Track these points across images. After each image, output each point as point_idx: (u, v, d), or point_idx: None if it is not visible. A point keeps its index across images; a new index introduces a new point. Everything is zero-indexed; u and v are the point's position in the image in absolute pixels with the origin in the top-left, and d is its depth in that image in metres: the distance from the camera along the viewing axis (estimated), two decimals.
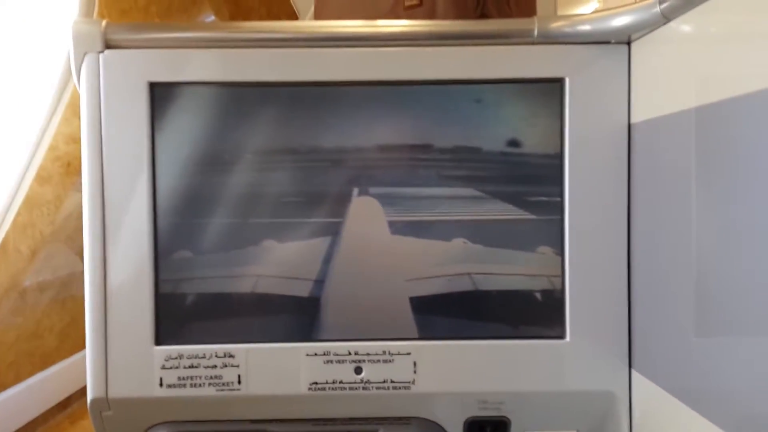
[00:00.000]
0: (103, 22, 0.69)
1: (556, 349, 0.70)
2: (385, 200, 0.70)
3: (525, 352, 0.70)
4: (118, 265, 0.69)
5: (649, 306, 0.65)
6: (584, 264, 0.69)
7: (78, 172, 0.95)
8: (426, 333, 0.70)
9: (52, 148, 0.91)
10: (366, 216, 0.70)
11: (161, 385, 0.70)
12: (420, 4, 0.90)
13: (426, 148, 0.70)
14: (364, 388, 0.70)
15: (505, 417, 0.72)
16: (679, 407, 0.59)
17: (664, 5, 0.59)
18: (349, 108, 0.70)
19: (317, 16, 1.02)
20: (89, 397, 0.69)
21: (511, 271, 0.70)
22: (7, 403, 0.98)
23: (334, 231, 0.70)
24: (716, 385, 0.53)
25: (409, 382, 0.70)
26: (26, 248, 0.93)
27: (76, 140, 0.93)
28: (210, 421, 0.72)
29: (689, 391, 0.58)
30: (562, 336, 0.70)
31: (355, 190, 0.70)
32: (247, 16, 1.44)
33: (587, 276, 0.69)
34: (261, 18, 1.52)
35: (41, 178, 0.92)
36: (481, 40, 0.70)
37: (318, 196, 0.70)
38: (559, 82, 0.69)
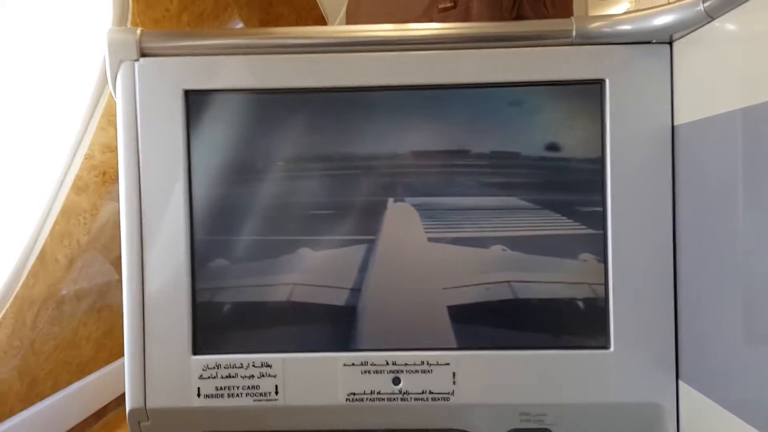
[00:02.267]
0: (138, 31, 0.69)
1: (600, 359, 0.68)
2: (421, 207, 0.69)
3: (567, 363, 0.68)
4: (155, 274, 0.69)
5: (697, 314, 0.63)
6: (628, 271, 0.67)
7: (113, 180, 0.96)
8: (465, 343, 0.69)
9: (87, 157, 0.92)
10: (402, 223, 0.69)
11: (199, 395, 0.69)
12: (454, 6, 0.89)
13: (462, 153, 0.69)
14: (402, 399, 0.69)
15: (547, 429, 0.70)
16: (730, 419, 0.57)
17: (707, 3, 0.57)
18: (382, 114, 0.69)
19: (349, 20, 1.02)
20: (128, 407, 0.69)
21: (551, 279, 0.69)
22: (45, 413, 0.98)
23: (370, 239, 0.69)
24: None
25: (448, 393, 0.69)
26: (63, 257, 0.93)
27: (112, 149, 0.94)
28: (247, 431, 0.71)
29: (741, 403, 0.56)
30: (606, 346, 0.68)
31: (391, 197, 0.70)
32: (277, 23, 1.45)
33: (631, 284, 0.67)
34: (290, 24, 1.53)
35: (77, 188, 0.92)
36: (518, 42, 0.68)
37: (353, 203, 0.70)
38: (599, 83, 0.68)
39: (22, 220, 0.89)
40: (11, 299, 0.86)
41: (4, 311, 0.85)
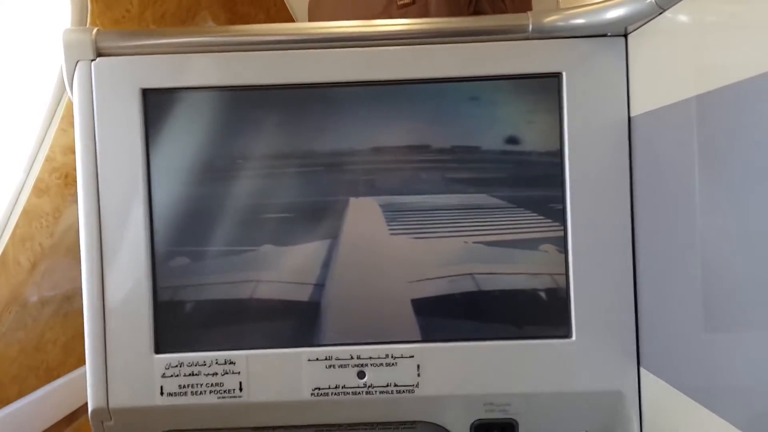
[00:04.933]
0: (94, 30, 0.68)
1: (562, 348, 0.69)
2: (384, 202, 0.70)
3: (530, 353, 0.69)
4: (116, 274, 0.69)
5: (656, 302, 0.64)
6: (588, 261, 0.68)
7: (75, 183, 0.95)
8: (429, 335, 0.70)
9: (49, 159, 0.91)
10: (364, 218, 0.70)
11: (162, 393, 0.69)
12: (413, 3, 0.89)
13: (424, 149, 0.70)
14: (367, 393, 0.69)
15: (512, 419, 0.70)
16: (691, 404, 0.57)
17: None
18: (344, 110, 0.70)
19: (311, 17, 1.02)
20: (90, 407, 0.69)
21: (513, 270, 0.70)
22: (12, 417, 0.97)
23: (332, 234, 0.69)
24: (727, 381, 0.52)
25: (412, 386, 0.69)
26: (26, 261, 0.92)
27: (74, 151, 0.92)
28: (212, 429, 0.71)
29: (700, 388, 0.57)
30: (568, 335, 0.69)
31: (353, 193, 0.70)
32: (244, 23, 1.44)
33: (591, 273, 0.68)
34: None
35: (39, 190, 0.91)
36: (476, 37, 0.69)
37: (315, 199, 0.70)
38: (556, 77, 0.68)
39: None
40: None
41: None
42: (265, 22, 1.56)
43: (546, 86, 0.69)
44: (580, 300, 0.68)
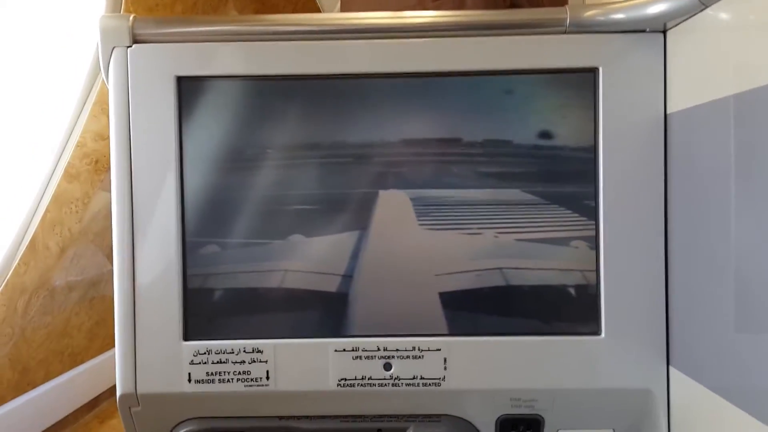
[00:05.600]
0: (131, 17, 0.69)
1: (591, 345, 0.68)
2: (413, 195, 0.69)
3: (559, 349, 0.68)
4: (146, 260, 0.69)
5: (688, 301, 0.63)
6: (619, 258, 0.67)
7: (105, 169, 0.96)
8: (456, 329, 0.69)
9: (80, 145, 0.92)
10: (394, 210, 0.69)
11: (189, 380, 0.69)
12: None
13: (455, 142, 0.69)
14: (393, 385, 0.69)
15: (538, 415, 0.70)
16: (721, 404, 0.57)
17: None
18: (375, 101, 0.69)
19: (344, 9, 1.02)
20: (118, 392, 0.69)
21: (543, 265, 0.69)
22: (37, 401, 0.98)
23: (362, 225, 0.69)
24: (759, 381, 0.51)
25: (439, 379, 0.69)
26: (55, 246, 0.93)
27: (104, 137, 0.93)
28: (238, 417, 0.71)
29: (731, 388, 0.56)
30: (597, 332, 0.68)
31: (383, 184, 0.70)
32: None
33: (622, 271, 0.67)
34: None
35: (69, 175, 0.92)
36: (512, 30, 0.68)
37: (345, 190, 0.70)
38: (592, 72, 0.68)
39: (13, 207, 0.89)
40: (2, 287, 0.86)
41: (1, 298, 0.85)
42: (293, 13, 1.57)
43: (582, 81, 0.68)
44: (611, 297, 0.67)
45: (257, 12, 1.32)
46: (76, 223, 0.96)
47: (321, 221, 0.70)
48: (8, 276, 0.86)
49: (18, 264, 0.87)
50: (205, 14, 1.09)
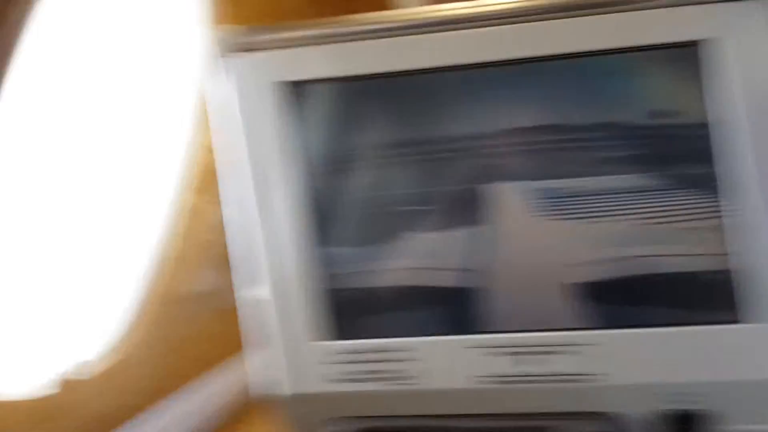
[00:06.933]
0: (231, 27, 0.70)
1: (753, 333, 0.63)
2: (527, 186, 0.67)
3: (712, 339, 0.63)
4: (271, 266, 0.70)
5: None
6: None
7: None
8: (591, 322, 0.66)
9: (201, 156, 0.95)
10: (514, 201, 0.67)
11: (323, 380, 0.70)
12: None
13: (560, 128, 0.66)
14: (527, 382, 0.67)
15: (700, 410, 0.65)
16: None
17: None
18: (479, 92, 0.68)
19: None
20: (255, 396, 0.70)
21: (682, 251, 0.64)
22: (173, 410, 1.02)
23: (482, 219, 0.68)
24: None
25: (591, 375, 0.66)
26: (191, 256, 0.97)
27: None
28: (376, 417, 0.71)
29: None
30: (761, 320, 0.62)
31: (497, 176, 0.68)
32: None
33: None
34: None
35: (196, 189, 0.95)
36: (610, 8, 0.63)
37: (460, 186, 0.69)
38: (701, 44, 0.62)
39: (137, 221, 0.92)
40: (147, 297, 0.90)
41: (142, 308, 0.89)
42: None
43: (691, 55, 0.62)
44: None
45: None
46: (205, 233, 0.99)
47: (440, 217, 0.69)
48: (152, 286, 0.90)
49: (161, 275, 0.91)
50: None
